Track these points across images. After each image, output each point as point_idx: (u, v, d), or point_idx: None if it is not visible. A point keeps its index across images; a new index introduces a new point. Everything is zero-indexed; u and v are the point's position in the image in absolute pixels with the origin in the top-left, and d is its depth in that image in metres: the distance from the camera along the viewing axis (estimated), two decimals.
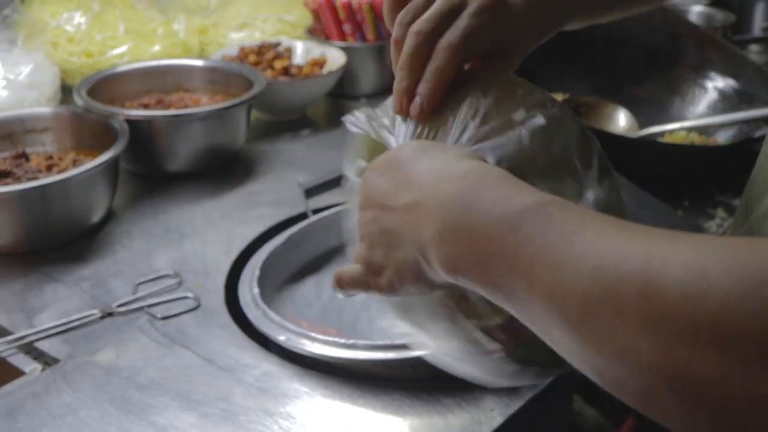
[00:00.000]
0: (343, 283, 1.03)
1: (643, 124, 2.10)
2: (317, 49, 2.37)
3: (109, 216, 1.82)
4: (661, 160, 1.91)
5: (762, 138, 1.84)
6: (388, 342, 1.34)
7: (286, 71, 2.25)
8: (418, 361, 1.31)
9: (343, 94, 2.44)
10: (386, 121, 1.03)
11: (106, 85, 2.06)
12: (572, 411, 1.67)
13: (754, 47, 2.71)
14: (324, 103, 2.41)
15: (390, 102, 1.03)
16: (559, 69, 2.23)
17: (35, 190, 1.65)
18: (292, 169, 2.03)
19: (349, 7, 2.37)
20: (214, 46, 2.45)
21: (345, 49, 2.36)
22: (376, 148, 1.03)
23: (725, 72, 2.16)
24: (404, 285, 0.90)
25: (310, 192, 1.70)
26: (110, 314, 1.51)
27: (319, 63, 2.31)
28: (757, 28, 2.78)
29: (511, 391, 1.31)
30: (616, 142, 1.91)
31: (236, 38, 2.45)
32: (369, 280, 0.95)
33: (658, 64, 2.22)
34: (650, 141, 2.02)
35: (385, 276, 0.92)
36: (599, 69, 2.23)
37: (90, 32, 2.29)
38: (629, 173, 1.75)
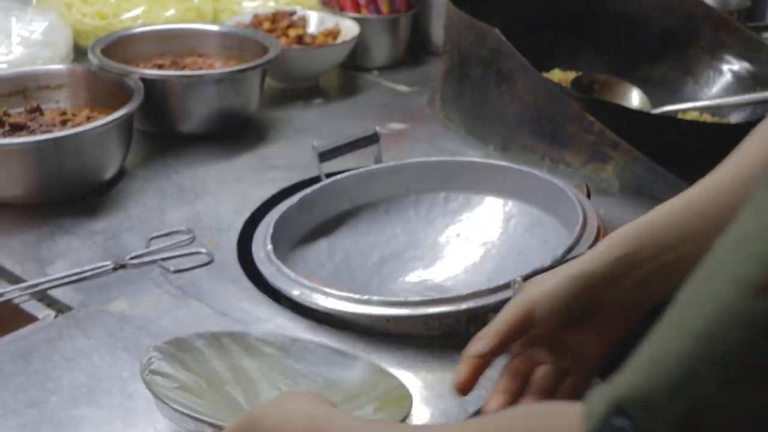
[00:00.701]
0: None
1: (655, 105, 2.11)
2: (331, 20, 2.37)
3: (122, 174, 1.83)
4: (677, 137, 1.92)
5: None
6: (402, 299, 1.36)
7: (300, 40, 2.26)
8: (432, 318, 1.34)
9: (355, 65, 2.44)
10: None
11: (120, 46, 2.06)
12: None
13: (767, 34, 2.72)
14: (337, 74, 2.42)
15: None
16: (573, 47, 2.24)
17: (49, 142, 1.66)
18: (304, 135, 2.03)
19: None
20: (227, 14, 2.45)
21: (359, 21, 2.36)
22: None
23: (740, 55, 2.17)
24: None
25: (324, 156, 1.71)
26: (123, 266, 1.53)
27: (333, 33, 2.32)
28: None
29: None
30: (634, 118, 1.92)
31: (250, 6, 2.45)
32: None
33: (673, 44, 2.23)
34: (668, 117, 2.01)
35: None
36: (614, 48, 2.23)
37: None
38: (646, 150, 1.77)
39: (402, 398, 1.18)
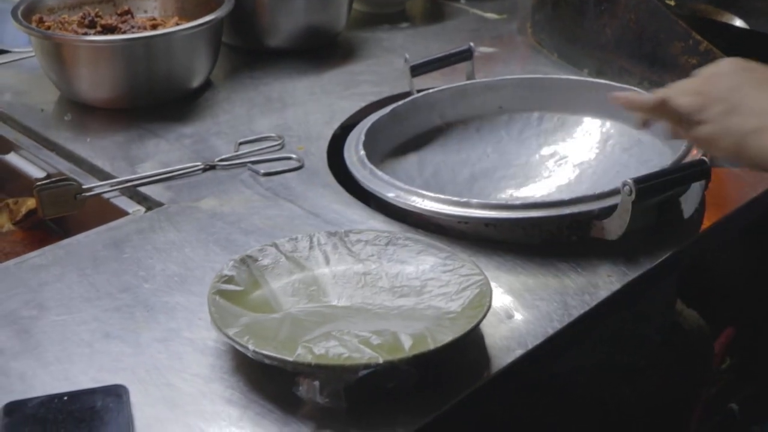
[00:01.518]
0: (631, 103, 1.31)
1: None
2: None
3: (209, 85, 1.83)
4: None
5: None
6: (502, 202, 1.33)
7: None
8: (533, 223, 1.31)
9: None
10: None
11: None
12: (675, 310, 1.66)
13: None
14: (422, 1, 2.40)
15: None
16: None
17: (139, 41, 1.66)
18: (392, 54, 2.01)
19: None
20: None
21: None
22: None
23: None
24: (720, 147, 1.16)
25: (416, 69, 1.68)
26: (212, 167, 1.51)
27: None
28: None
29: (628, 261, 1.30)
30: (743, 36, 1.89)
31: None
32: (683, 123, 1.20)
33: None
34: None
35: (705, 130, 1.15)
36: None
37: None
38: None
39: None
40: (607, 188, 1.32)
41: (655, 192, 1.27)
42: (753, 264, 1.80)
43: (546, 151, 1.66)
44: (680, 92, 1.22)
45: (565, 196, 1.39)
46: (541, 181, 1.62)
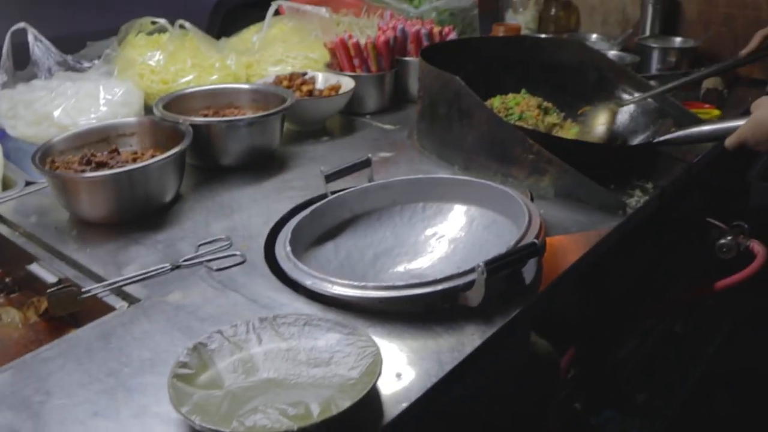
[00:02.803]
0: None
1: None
2: (333, 78, 2.30)
3: (178, 197, 1.76)
4: (596, 157, 1.85)
5: (661, 142, 1.80)
6: (390, 284, 1.28)
7: (310, 93, 2.19)
8: (414, 298, 1.26)
9: (352, 111, 2.36)
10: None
11: (177, 102, 1.98)
12: (529, 343, 1.62)
13: (653, 82, 2.65)
14: (338, 118, 2.34)
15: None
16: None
17: (124, 174, 1.60)
18: (314, 163, 1.96)
19: (357, 47, 2.31)
20: (256, 77, 2.38)
21: (354, 78, 2.29)
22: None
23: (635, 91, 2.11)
24: None
25: (329, 177, 1.64)
26: (178, 267, 1.45)
27: (335, 88, 2.25)
28: (653, 69, 2.72)
29: (486, 321, 1.26)
30: (560, 142, 1.85)
31: (273, 70, 2.39)
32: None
33: (594, 87, 2.17)
34: (584, 142, 1.95)
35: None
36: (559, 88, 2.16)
37: (166, 66, 2.23)
38: (573, 163, 1.71)
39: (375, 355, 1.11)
40: (473, 262, 1.28)
41: (500, 270, 1.24)
42: (584, 298, 1.77)
43: (429, 231, 1.62)
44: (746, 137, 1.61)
45: (439, 275, 1.35)
46: (426, 255, 1.57)
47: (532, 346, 1.60)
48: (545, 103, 2.06)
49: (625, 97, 2.12)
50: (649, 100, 2.06)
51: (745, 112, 1.68)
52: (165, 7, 4.75)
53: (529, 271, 1.39)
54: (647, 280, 1.97)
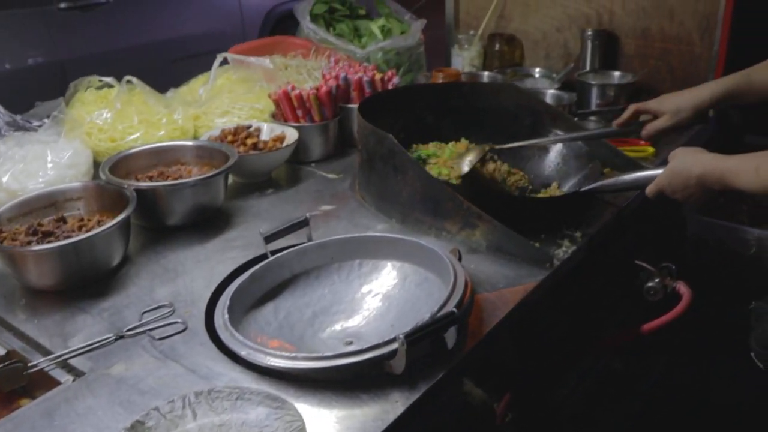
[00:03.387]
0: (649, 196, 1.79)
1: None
2: (278, 128, 2.37)
3: (126, 260, 1.83)
4: (524, 208, 1.94)
5: (585, 192, 1.89)
6: (319, 354, 1.35)
7: (255, 146, 2.26)
8: (343, 368, 1.34)
9: (298, 160, 2.44)
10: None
11: (123, 163, 2.06)
12: (463, 392, 1.69)
13: (592, 118, 2.76)
14: (285, 167, 2.41)
15: None
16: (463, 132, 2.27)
17: (69, 245, 1.66)
18: (258, 220, 2.03)
19: (300, 98, 2.38)
20: (204, 129, 2.45)
21: (298, 128, 2.37)
22: None
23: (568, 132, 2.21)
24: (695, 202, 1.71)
25: (268, 239, 1.71)
26: (122, 337, 1.52)
27: (280, 138, 2.32)
28: (593, 105, 2.82)
29: (410, 387, 1.34)
30: (489, 197, 1.94)
31: (220, 122, 2.46)
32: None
33: (534, 128, 2.27)
34: (511, 195, 2.05)
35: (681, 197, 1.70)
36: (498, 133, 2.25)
37: (114, 124, 2.29)
38: (509, 218, 1.80)
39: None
40: (405, 320, 1.39)
41: (420, 340, 1.32)
42: (518, 343, 1.84)
43: (365, 289, 1.69)
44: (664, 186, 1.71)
45: (373, 333, 1.45)
46: (362, 312, 1.65)
47: (466, 396, 1.67)
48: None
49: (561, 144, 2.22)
50: (581, 143, 2.16)
51: (664, 162, 1.78)
52: (222, 15, 5.04)
53: (451, 335, 1.47)
54: (581, 323, 2.06)
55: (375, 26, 3.31)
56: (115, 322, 1.58)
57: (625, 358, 2.28)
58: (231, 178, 2.23)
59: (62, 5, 4.44)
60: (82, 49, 4.47)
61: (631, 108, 2.14)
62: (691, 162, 1.66)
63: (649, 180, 1.77)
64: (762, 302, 1.81)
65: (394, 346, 1.32)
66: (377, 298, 1.67)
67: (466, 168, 2.02)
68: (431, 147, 2.21)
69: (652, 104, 2.09)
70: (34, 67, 4.31)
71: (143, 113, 2.34)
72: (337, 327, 1.62)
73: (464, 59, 3.38)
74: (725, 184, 1.58)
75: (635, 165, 2.12)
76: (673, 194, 1.72)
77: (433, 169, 2.06)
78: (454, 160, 2.12)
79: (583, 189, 1.93)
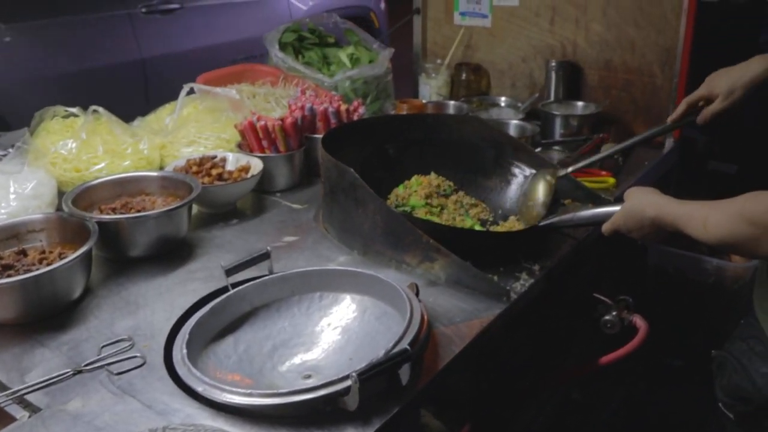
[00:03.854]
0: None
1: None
2: (244, 159, 2.39)
3: (87, 292, 1.83)
4: (483, 241, 1.97)
5: (544, 227, 1.92)
6: (275, 390, 1.36)
7: (220, 176, 2.27)
8: (298, 404, 1.35)
9: (263, 190, 2.46)
10: None
11: (87, 193, 2.06)
12: (421, 424, 1.70)
13: (556, 147, 2.79)
14: (250, 197, 2.43)
15: None
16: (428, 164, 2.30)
17: (30, 279, 1.66)
18: (221, 251, 2.04)
19: (265, 129, 2.40)
20: (170, 158, 2.46)
21: (263, 158, 2.38)
22: None
23: (530, 165, 2.24)
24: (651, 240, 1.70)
25: (230, 272, 1.72)
26: (80, 372, 1.52)
27: (245, 168, 2.34)
28: (557, 134, 2.87)
29: (365, 423, 1.35)
30: (445, 230, 1.96)
31: (186, 151, 2.47)
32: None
33: (497, 161, 2.30)
34: (466, 230, 2.07)
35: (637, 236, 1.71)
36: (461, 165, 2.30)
37: (78, 154, 2.29)
38: (468, 251, 1.82)
39: None
40: (364, 353, 1.42)
41: (373, 378, 1.33)
42: (476, 374, 1.86)
43: (325, 321, 1.70)
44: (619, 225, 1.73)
45: (332, 367, 1.46)
46: (321, 345, 1.66)
47: (424, 428, 1.69)
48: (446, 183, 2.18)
49: (517, 171, 2.25)
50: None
51: (619, 198, 1.81)
52: (275, 20, 5.27)
53: (408, 369, 1.48)
54: (540, 354, 2.08)
55: (343, 54, 3.34)
56: (73, 357, 1.58)
57: (584, 388, 2.30)
58: (196, 208, 2.24)
59: (144, 9, 5.01)
60: (159, 49, 5.06)
61: (684, 102, 2.15)
62: (645, 204, 1.65)
63: (605, 217, 1.79)
64: (722, 351, 1.81)
65: (348, 383, 1.34)
66: (337, 331, 1.68)
67: (543, 210, 2.07)
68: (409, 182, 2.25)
69: (703, 90, 2.09)
70: (121, 64, 4.84)
71: (109, 143, 2.34)
72: (297, 360, 1.63)
73: (431, 88, 3.42)
74: (677, 229, 1.58)
75: (595, 197, 2.15)
76: (628, 233, 1.73)
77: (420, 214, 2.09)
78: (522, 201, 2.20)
79: (541, 224, 1.96)
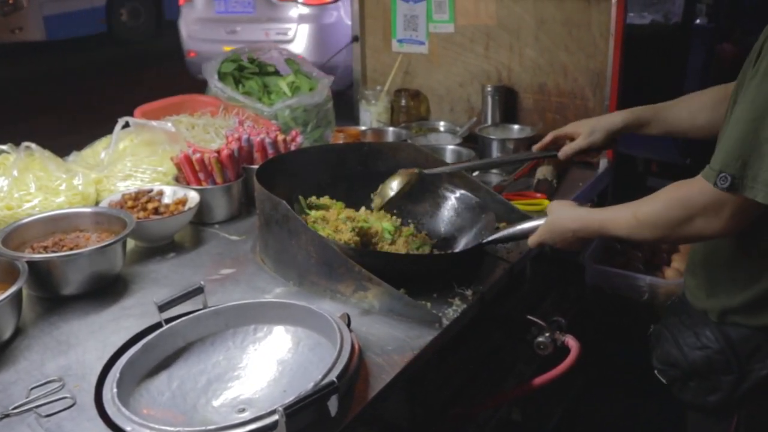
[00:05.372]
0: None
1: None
2: (181, 191, 2.37)
3: (18, 332, 1.79)
4: (411, 267, 1.97)
5: (483, 245, 1.93)
6: (203, 427, 1.35)
7: (156, 210, 2.26)
8: None
9: (202, 222, 2.44)
10: None
11: (18, 232, 2.03)
12: None
13: (494, 171, 2.82)
14: (188, 229, 2.40)
15: None
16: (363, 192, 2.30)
17: None
18: (157, 286, 2.02)
19: (201, 161, 2.39)
20: (106, 192, 2.43)
21: (200, 191, 2.37)
22: None
23: (467, 190, 2.27)
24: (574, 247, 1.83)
25: (163, 308, 1.70)
26: (7, 415, 1.49)
27: (182, 201, 2.32)
28: (494, 157, 2.90)
29: None
30: (377, 258, 1.97)
31: (123, 186, 2.45)
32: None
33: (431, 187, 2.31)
34: (401, 255, 2.07)
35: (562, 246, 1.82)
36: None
37: (10, 191, 2.25)
38: (402, 277, 1.83)
39: None
40: (298, 384, 1.44)
41: (300, 412, 1.33)
42: (410, 402, 1.86)
43: (260, 354, 1.70)
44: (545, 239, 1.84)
45: (265, 399, 1.46)
46: (256, 378, 1.65)
47: None
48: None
49: (448, 194, 2.27)
50: (471, 195, 2.22)
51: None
52: None
53: (333, 403, 1.47)
54: (477, 378, 2.09)
55: (283, 83, 3.35)
56: (1, 400, 1.55)
57: (523, 408, 2.31)
58: (133, 243, 2.22)
59: None
60: None
61: (551, 134, 2.29)
62: (566, 217, 1.79)
63: (531, 231, 1.89)
64: (659, 325, 1.94)
65: (275, 417, 1.33)
66: (272, 363, 1.68)
67: (391, 193, 2.08)
68: (324, 200, 2.24)
69: (569, 128, 2.26)
70: None
71: (42, 179, 2.31)
72: (232, 394, 1.62)
73: (372, 114, 3.43)
74: (604, 233, 1.71)
75: (528, 220, 2.17)
76: (554, 245, 1.84)
77: (323, 231, 2.07)
78: (377, 192, 2.20)
79: (481, 241, 1.98)
